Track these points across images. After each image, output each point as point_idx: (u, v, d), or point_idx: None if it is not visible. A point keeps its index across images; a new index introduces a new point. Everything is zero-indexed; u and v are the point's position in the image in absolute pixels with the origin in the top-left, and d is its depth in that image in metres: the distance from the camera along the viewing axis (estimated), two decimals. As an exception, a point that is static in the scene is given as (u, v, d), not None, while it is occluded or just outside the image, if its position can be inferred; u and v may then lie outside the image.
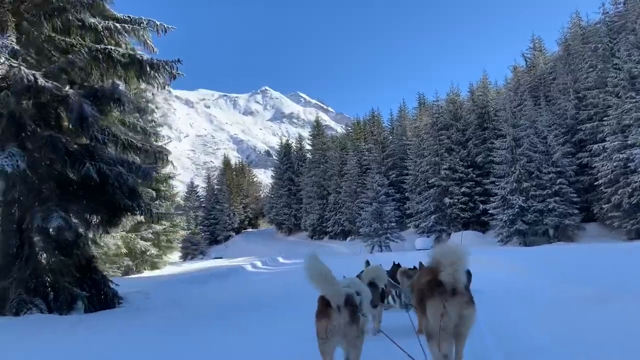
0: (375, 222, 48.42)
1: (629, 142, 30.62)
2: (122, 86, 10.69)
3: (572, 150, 36.77)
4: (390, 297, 7.64)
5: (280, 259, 40.69)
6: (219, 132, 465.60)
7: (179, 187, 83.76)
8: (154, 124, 32.59)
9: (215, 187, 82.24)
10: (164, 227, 31.21)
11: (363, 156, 60.43)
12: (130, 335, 7.10)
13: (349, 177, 59.76)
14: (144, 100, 32.22)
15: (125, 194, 9.71)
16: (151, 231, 26.38)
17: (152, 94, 33.48)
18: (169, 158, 33.86)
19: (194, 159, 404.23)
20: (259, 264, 28.22)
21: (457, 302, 3.78)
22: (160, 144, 33.26)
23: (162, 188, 31.94)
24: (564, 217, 34.67)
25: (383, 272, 6.42)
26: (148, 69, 10.44)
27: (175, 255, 71.68)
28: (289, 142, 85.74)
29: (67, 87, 8.76)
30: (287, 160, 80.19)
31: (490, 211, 39.37)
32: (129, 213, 10.81)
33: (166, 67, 10.66)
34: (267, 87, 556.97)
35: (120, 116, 11.05)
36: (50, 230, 8.49)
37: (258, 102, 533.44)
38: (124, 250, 24.03)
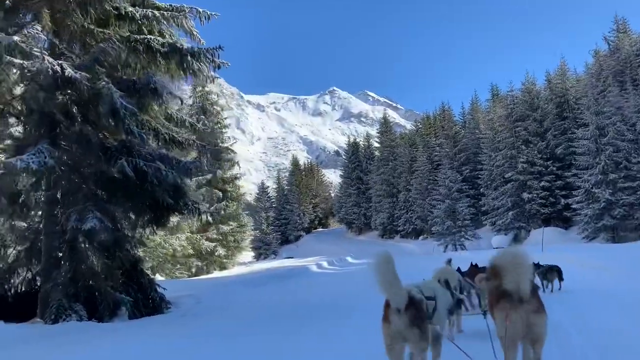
0: (449, 219, 46.68)
1: None
2: (162, 78, 10.16)
3: (665, 137, 33.20)
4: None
5: (349, 259, 39.72)
6: (289, 134, 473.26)
7: (252, 189, 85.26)
8: (219, 125, 32.92)
9: (285, 187, 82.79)
10: (231, 227, 31.26)
11: (434, 152, 58.49)
12: (168, 345, 6.45)
13: (420, 173, 57.99)
14: (209, 102, 32.71)
15: (169, 191, 9.13)
16: (215, 232, 26.31)
17: (217, 96, 33.94)
18: (235, 159, 34.24)
19: (266, 161, 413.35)
20: (325, 264, 27.35)
21: (523, 310, 3.67)
22: (226, 145, 33.81)
23: (229, 189, 32.08)
24: (659, 210, 31.37)
25: (454, 274, 5.93)
26: (189, 58, 9.84)
27: (249, 255, 73.04)
28: (357, 140, 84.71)
29: (104, 81, 8.28)
30: (355, 159, 79.40)
31: (573, 206, 36.59)
32: (176, 212, 10.29)
33: (207, 55, 10.03)
34: (335, 88, 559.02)
35: (161, 110, 10.49)
36: (91, 231, 8.04)
37: (326, 103, 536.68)
38: (190, 251, 24.09)
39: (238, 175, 34.21)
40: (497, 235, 42.96)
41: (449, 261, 7.02)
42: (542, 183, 41.64)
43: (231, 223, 31.51)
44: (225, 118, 35.32)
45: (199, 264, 28.75)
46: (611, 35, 46.36)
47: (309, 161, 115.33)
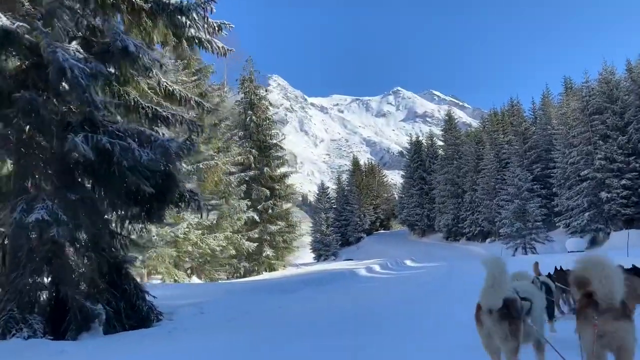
0: (518, 221, 43.64)
1: None
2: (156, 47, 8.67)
3: None
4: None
5: (408, 262, 37.47)
6: (353, 136, 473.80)
7: (315, 190, 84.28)
8: (268, 121, 31.83)
9: (345, 188, 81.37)
10: (279, 227, 29.84)
11: (502, 149, 55.40)
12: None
13: (486, 172, 55.03)
14: (257, 97, 31.73)
15: (154, 178, 7.46)
16: (257, 231, 24.89)
17: (265, 91, 32.86)
18: (285, 157, 32.96)
19: (330, 162, 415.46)
20: (377, 267, 25.20)
21: (607, 318, 3.36)
22: (274, 141, 32.61)
23: (277, 187, 30.71)
24: None
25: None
26: (179, 17, 8.23)
27: (310, 256, 72.40)
28: (419, 139, 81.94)
29: (42, 31, 6.77)
30: (418, 158, 77.02)
31: (660, 206, 32.52)
32: (170, 205, 8.70)
33: (198, 9, 8.38)
34: (399, 88, 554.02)
35: (146, 81, 8.84)
36: (38, 224, 6.58)
37: (390, 104, 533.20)
38: (233, 252, 22.84)
39: (288, 173, 32.79)
40: (571, 237, 39.35)
41: (537, 264, 7.04)
42: (623, 181, 37.74)
43: (279, 223, 30.06)
44: (275, 114, 34.16)
45: (246, 264, 27.56)
46: None
47: (370, 161, 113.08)
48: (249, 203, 24.83)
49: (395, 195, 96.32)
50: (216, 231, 20.89)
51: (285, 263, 32.14)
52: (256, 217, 28.18)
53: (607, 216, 38.52)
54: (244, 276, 27.09)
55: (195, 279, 19.86)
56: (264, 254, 28.50)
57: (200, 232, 19.55)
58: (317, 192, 79.68)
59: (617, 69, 45.76)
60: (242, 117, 31.17)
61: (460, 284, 15.32)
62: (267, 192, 29.43)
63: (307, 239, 73.85)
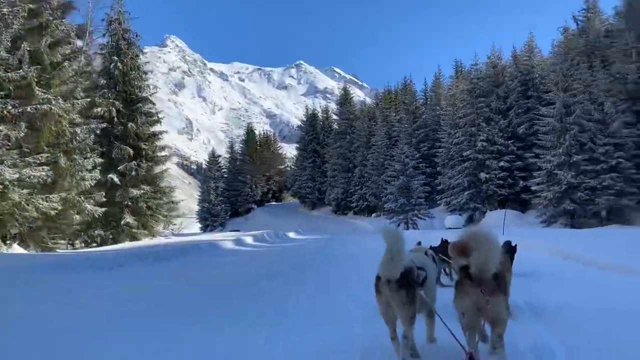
0: (402, 197, 44.25)
1: None
2: None
3: (632, 120, 30.66)
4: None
5: (292, 234, 36.01)
6: (253, 106, 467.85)
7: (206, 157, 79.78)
8: (137, 71, 27.90)
9: (238, 157, 78.27)
10: (143, 191, 26.38)
11: (393, 127, 56.11)
12: None
13: (377, 148, 55.75)
14: (125, 42, 27.70)
15: None
16: (104, 194, 21.41)
17: (137, 35, 28.64)
18: (158, 115, 29.31)
19: (227, 132, 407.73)
20: (248, 240, 22.99)
21: (479, 290, 3.63)
22: (145, 94, 28.76)
23: (144, 147, 26.97)
24: (621, 196, 28.91)
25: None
26: None
27: (197, 226, 68.98)
28: (315, 112, 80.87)
29: None
30: (313, 131, 76.35)
31: (532, 188, 34.06)
32: None
33: None
34: (302, 62, 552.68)
35: None
36: None
37: (292, 77, 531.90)
38: (77, 217, 19.37)
39: (158, 132, 29.04)
40: (450, 215, 40.27)
41: (419, 243, 6.73)
42: (501, 163, 39.39)
43: (144, 187, 26.57)
44: (147, 63, 30.03)
45: (102, 233, 24.10)
46: (580, 14, 43.25)
47: (265, 132, 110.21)
48: (100, 160, 21.03)
49: (290, 168, 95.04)
50: (53, 191, 17.38)
51: (154, 232, 28.86)
52: (116, 179, 24.66)
53: (484, 196, 39.85)
54: (100, 245, 23.77)
55: (17, 248, 16.39)
56: (123, 222, 25.11)
57: (26, 191, 16.01)
58: (208, 159, 75.92)
59: (505, 54, 47.36)
60: (105, 63, 27.00)
61: (325, 261, 13.86)
62: (131, 151, 25.63)
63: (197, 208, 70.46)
